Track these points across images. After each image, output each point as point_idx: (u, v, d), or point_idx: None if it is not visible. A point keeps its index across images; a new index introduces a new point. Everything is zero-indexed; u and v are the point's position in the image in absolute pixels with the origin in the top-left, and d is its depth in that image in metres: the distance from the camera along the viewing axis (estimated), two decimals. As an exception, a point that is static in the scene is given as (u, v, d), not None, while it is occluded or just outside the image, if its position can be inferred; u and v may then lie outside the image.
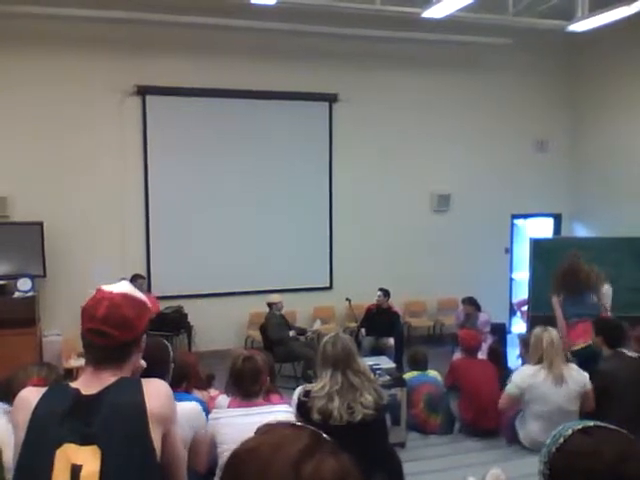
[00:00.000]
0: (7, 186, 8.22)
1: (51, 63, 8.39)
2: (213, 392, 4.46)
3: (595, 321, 5.49)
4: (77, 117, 8.54)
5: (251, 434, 1.16)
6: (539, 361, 4.61)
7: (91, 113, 8.59)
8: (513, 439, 4.93)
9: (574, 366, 4.73)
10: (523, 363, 5.50)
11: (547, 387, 4.52)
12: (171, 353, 3.12)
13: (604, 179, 10.02)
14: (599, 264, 8.16)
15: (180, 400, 2.47)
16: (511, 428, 4.92)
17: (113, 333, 1.83)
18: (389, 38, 9.26)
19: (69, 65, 8.43)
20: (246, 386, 3.13)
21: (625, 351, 4.90)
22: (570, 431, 1.45)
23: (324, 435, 1.14)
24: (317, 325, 8.62)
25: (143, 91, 8.79)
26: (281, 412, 3.03)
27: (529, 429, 4.66)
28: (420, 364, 6.11)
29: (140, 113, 8.84)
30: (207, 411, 3.45)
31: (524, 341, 5.52)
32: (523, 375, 4.70)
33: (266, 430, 1.14)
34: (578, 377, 4.60)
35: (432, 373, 6.07)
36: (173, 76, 8.76)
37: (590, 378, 4.60)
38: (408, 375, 6.02)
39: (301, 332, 8.35)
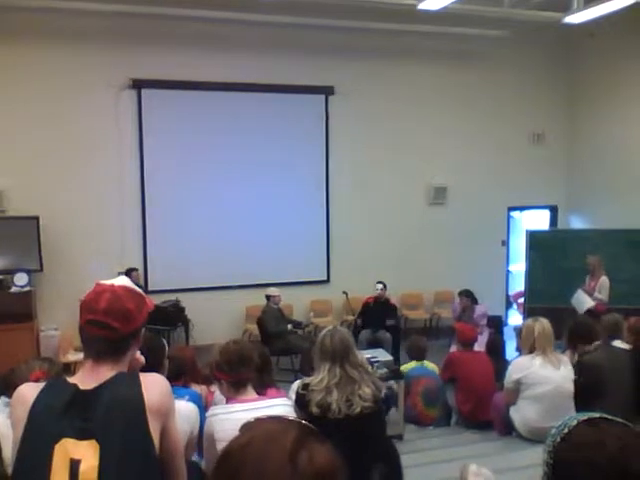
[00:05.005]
0: (2, 180, 8.17)
1: (46, 57, 8.33)
2: (214, 387, 4.43)
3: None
4: (73, 111, 8.49)
5: None
6: (531, 350, 4.70)
7: (87, 107, 8.55)
8: (506, 430, 4.96)
9: (563, 356, 4.82)
10: (520, 354, 5.53)
11: (545, 369, 4.61)
12: (166, 349, 3.11)
13: (600, 171, 10.01)
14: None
15: (177, 394, 2.46)
16: (503, 419, 4.95)
17: (114, 325, 1.84)
18: (385, 30, 9.21)
19: (64, 59, 8.38)
20: (235, 369, 2.93)
21: (618, 343, 4.92)
22: (575, 422, 1.45)
23: (310, 425, 1.17)
24: (311, 318, 8.63)
25: (138, 84, 8.75)
26: (280, 406, 2.96)
27: (526, 416, 4.69)
28: (419, 353, 6.15)
29: (136, 106, 8.80)
30: (202, 406, 3.45)
31: (519, 332, 5.56)
32: (518, 366, 4.77)
33: (252, 426, 1.15)
34: (569, 365, 4.69)
35: (430, 366, 6.09)
36: (168, 69, 8.72)
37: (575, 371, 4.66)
38: (407, 366, 6.04)
39: (297, 325, 8.37)
